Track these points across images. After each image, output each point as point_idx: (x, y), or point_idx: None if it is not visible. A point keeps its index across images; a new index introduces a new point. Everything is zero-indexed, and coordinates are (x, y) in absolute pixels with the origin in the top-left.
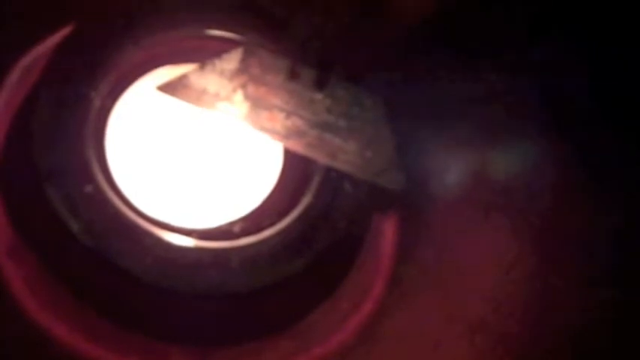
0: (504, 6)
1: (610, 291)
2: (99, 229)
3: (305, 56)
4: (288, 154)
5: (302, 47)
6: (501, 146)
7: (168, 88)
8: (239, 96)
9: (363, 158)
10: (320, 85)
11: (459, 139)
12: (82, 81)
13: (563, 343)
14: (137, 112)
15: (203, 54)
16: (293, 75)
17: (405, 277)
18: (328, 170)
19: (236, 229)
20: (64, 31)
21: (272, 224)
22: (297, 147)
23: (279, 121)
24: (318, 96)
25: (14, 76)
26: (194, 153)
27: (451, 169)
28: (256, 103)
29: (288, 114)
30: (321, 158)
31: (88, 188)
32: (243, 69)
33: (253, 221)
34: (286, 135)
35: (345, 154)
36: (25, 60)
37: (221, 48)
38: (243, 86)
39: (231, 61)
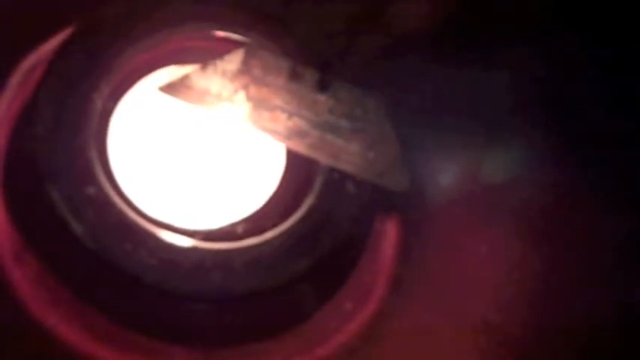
0: (505, 7)
1: (614, 292)
2: (102, 231)
3: (307, 57)
4: (291, 155)
5: (304, 48)
6: (503, 147)
7: (170, 88)
8: (241, 97)
9: (365, 159)
10: (322, 86)
11: (461, 139)
12: (84, 82)
13: (567, 345)
14: (139, 113)
15: (204, 55)
16: (295, 76)
17: (408, 278)
18: (331, 171)
19: (239, 230)
20: (65, 33)
21: (275, 225)
22: (300, 148)
23: (282, 121)
24: (321, 97)
25: (16, 78)
26: (196, 154)
27: (453, 170)
28: (258, 104)
29: (290, 115)
30: (324, 159)
31: (91, 190)
32: (244, 70)
33: (256, 222)
34: (288, 136)
35: (348, 155)
36: (27, 62)
37: (223, 49)
38: (245, 87)
39: (232, 61)
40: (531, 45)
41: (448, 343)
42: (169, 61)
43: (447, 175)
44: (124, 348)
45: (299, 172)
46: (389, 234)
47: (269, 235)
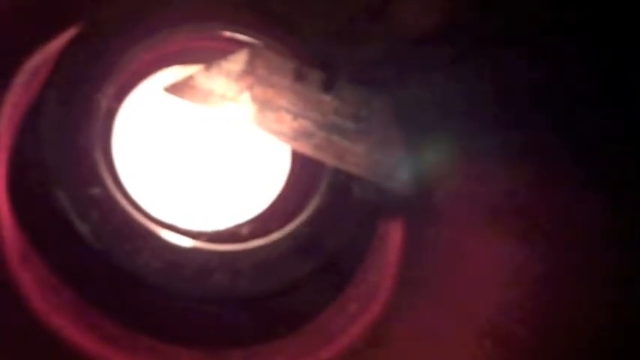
0: (505, 7)
1: (619, 293)
2: (107, 232)
3: (312, 57)
4: (296, 156)
5: (309, 48)
6: (507, 149)
7: (175, 89)
8: (246, 97)
9: (371, 160)
10: (327, 86)
11: (466, 142)
12: (89, 82)
13: (572, 345)
14: (144, 113)
15: (209, 55)
16: (300, 76)
17: (412, 280)
18: (336, 172)
19: (244, 231)
20: (71, 33)
21: (280, 227)
22: (305, 149)
23: (287, 122)
24: (326, 98)
25: (21, 78)
26: (201, 155)
27: (458, 172)
28: (263, 105)
29: (296, 116)
30: (329, 160)
31: (96, 191)
32: (249, 70)
33: (261, 224)
34: (294, 137)
35: (353, 156)
36: (32, 62)
37: (227, 49)
38: (250, 88)
39: (237, 62)
40: (534, 45)
41: (453, 344)
42: (174, 62)
43: (452, 177)
44: (128, 348)
45: (304, 173)
46: (393, 236)
47: (274, 236)
